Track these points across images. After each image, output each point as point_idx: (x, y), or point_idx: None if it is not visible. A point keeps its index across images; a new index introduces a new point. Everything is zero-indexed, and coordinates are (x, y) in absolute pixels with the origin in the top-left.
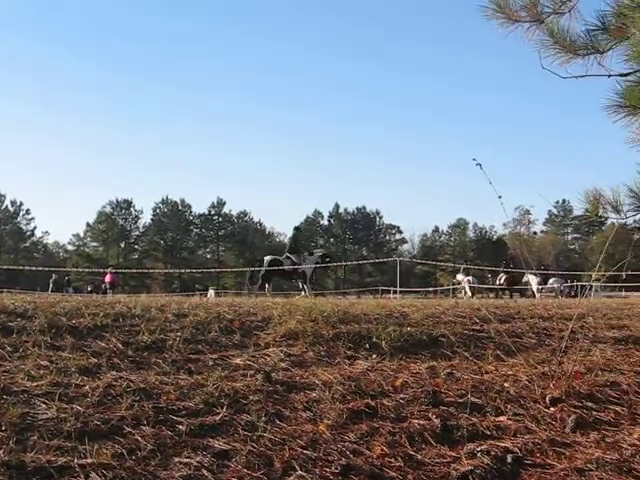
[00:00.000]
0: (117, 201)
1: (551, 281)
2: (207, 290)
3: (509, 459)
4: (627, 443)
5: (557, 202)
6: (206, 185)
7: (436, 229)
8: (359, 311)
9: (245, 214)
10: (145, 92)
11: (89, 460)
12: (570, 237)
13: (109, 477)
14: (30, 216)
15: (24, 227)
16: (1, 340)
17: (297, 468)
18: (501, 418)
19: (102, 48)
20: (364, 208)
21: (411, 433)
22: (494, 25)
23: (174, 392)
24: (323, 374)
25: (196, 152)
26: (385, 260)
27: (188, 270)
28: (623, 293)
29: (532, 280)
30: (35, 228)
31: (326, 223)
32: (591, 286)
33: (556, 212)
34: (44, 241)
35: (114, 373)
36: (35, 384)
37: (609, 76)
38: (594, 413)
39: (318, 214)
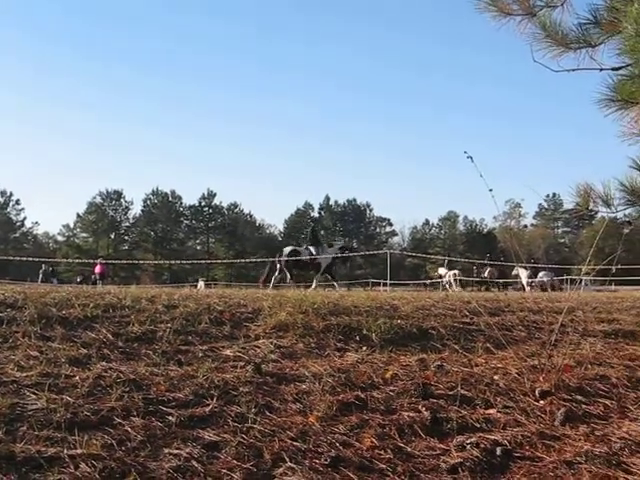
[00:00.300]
0: (107, 192)
1: (541, 274)
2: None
3: (498, 452)
4: (616, 436)
5: (547, 196)
6: (196, 177)
7: (426, 222)
8: (349, 303)
9: (235, 206)
10: (137, 85)
11: (79, 451)
12: (560, 231)
13: (99, 468)
14: (20, 206)
15: (14, 217)
16: None
17: (287, 459)
18: (491, 411)
19: (99, 40)
20: (355, 200)
21: (401, 425)
22: (486, 18)
23: (164, 383)
24: (313, 366)
25: (187, 144)
26: (375, 252)
27: (178, 261)
28: (613, 287)
29: (522, 273)
30: (25, 219)
31: (317, 215)
32: (581, 280)
33: (546, 206)
34: (34, 232)
35: (104, 364)
36: (25, 374)
37: (601, 70)
38: (583, 406)
39: (309, 206)
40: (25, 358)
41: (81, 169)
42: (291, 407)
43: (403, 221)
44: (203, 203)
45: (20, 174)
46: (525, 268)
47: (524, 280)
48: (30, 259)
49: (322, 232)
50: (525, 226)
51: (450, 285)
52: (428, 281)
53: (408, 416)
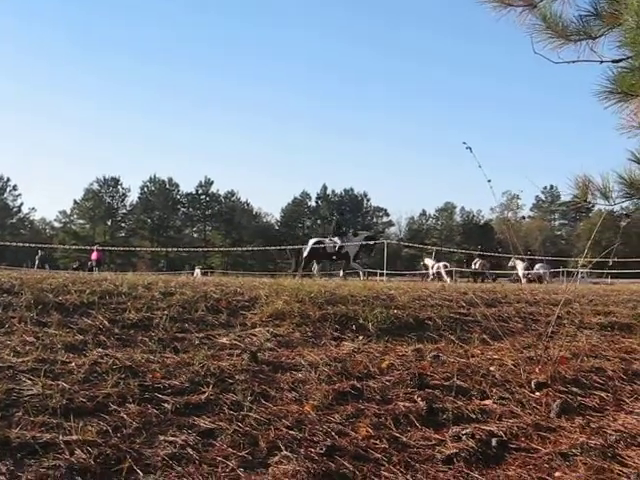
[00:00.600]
0: (104, 179)
1: (537, 266)
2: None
3: (494, 443)
4: (611, 429)
5: (545, 188)
6: (194, 165)
7: (423, 212)
8: (346, 293)
9: (232, 194)
10: (135, 73)
11: (74, 437)
12: (557, 223)
13: (94, 454)
14: (17, 192)
15: (11, 203)
16: None
17: (282, 448)
18: (486, 402)
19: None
20: (352, 190)
21: (396, 415)
22: (486, 9)
23: (160, 370)
24: (309, 355)
25: (184, 132)
26: (372, 242)
27: (175, 249)
28: (609, 280)
29: (518, 265)
30: (22, 204)
31: (314, 204)
32: (578, 272)
33: (543, 198)
34: (31, 217)
35: (100, 350)
36: (21, 360)
37: (601, 62)
38: (579, 398)
39: (306, 195)
40: (21, 344)
41: (78, 156)
42: (287, 396)
43: (400, 211)
44: (200, 191)
45: (17, 160)
46: (522, 260)
47: (520, 272)
48: (27, 245)
49: (318, 221)
50: (523, 217)
51: (440, 277)
52: (424, 271)
53: (404, 406)
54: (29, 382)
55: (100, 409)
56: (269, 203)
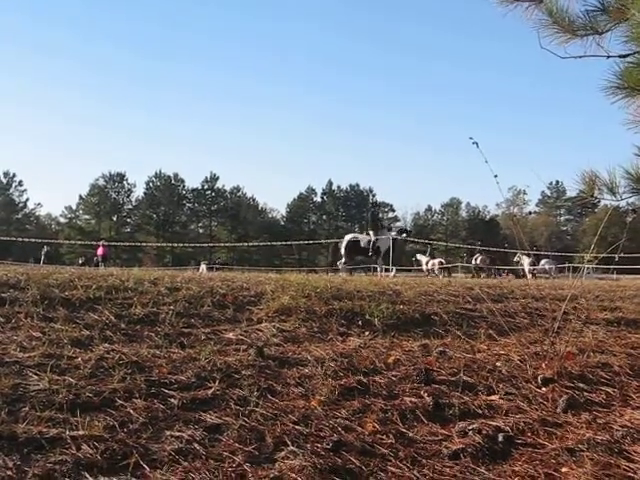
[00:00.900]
0: (110, 174)
1: (543, 262)
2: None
3: (500, 438)
4: (618, 424)
5: (550, 183)
6: (199, 160)
7: (429, 208)
8: (352, 288)
9: (238, 189)
10: (141, 68)
11: (81, 432)
12: (563, 219)
13: (100, 449)
14: (23, 188)
15: (16, 199)
16: None
17: (289, 443)
18: (493, 397)
19: (97, 23)
20: (357, 185)
21: (403, 410)
22: (493, 4)
23: (166, 365)
24: (315, 350)
25: (190, 127)
26: (378, 238)
27: (180, 244)
28: (615, 275)
29: (524, 261)
30: (27, 200)
31: (319, 200)
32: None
33: (549, 193)
34: (36, 213)
35: (106, 345)
36: (27, 355)
37: (608, 57)
38: (586, 394)
39: (311, 191)
40: (28, 339)
41: (84, 151)
42: (293, 391)
43: (405, 207)
44: (206, 186)
45: (23, 156)
46: (528, 255)
47: (526, 267)
48: (32, 240)
49: (324, 217)
50: (530, 213)
51: (434, 274)
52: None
53: (410, 401)
54: (36, 377)
55: (107, 404)
56: (275, 199)
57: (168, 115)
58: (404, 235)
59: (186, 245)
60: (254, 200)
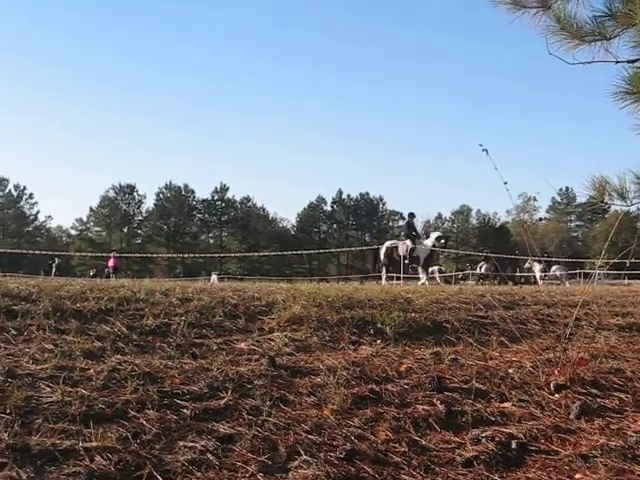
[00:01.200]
0: (120, 186)
1: (554, 268)
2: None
3: (513, 445)
4: (632, 430)
5: (560, 189)
6: (209, 170)
7: (439, 216)
8: (363, 296)
9: (248, 199)
10: (151, 79)
11: (94, 443)
12: (573, 225)
13: (114, 460)
14: (33, 200)
15: (27, 211)
16: (6, 323)
17: (302, 453)
18: (505, 404)
19: (105, 34)
20: (367, 194)
21: (415, 419)
22: (501, 11)
23: (178, 376)
24: (327, 359)
25: (200, 137)
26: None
27: (191, 255)
28: (626, 281)
29: (536, 267)
30: (38, 212)
31: (329, 209)
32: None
33: (559, 199)
34: (47, 225)
35: (119, 357)
36: (40, 367)
37: (616, 62)
38: (598, 400)
39: (321, 200)
40: (40, 351)
41: (94, 163)
42: (306, 400)
43: (416, 215)
44: (216, 197)
45: (33, 168)
46: (539, 262)
47: (537, 274)
48: (44, 253)
49: (334, 226)
50: (540, 219)
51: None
52: (440, 275)
53: (423, 409)
54: (48, 389)
55: (119, 415)
56: (285, 208)
57: (178, 126)
58: (442, 242)
59: (197, 256)
60: (264, 210)
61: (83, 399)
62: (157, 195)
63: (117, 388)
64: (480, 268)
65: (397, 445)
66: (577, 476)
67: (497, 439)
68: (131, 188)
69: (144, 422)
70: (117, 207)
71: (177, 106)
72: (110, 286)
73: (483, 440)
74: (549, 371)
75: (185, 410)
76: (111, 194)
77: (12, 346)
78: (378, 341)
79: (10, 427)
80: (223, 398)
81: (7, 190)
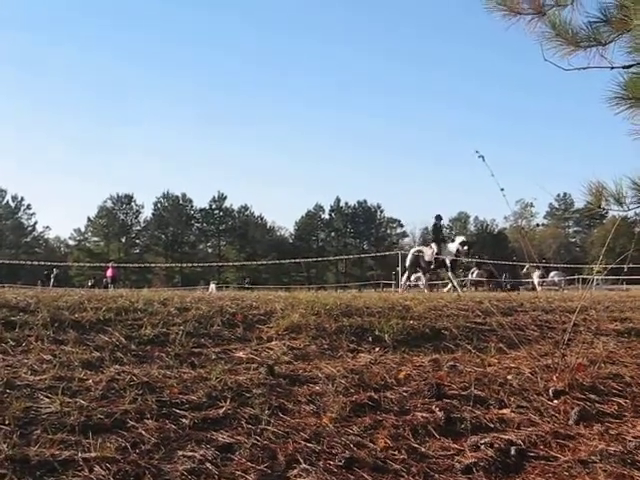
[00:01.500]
0: (118, 196)
1: (552, 274)
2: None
3: (513, 451)
4: (631, 435)
5: (558, 195)
6: (207, 179)
7: None
8: (361, 304)
9: (246, 208)
10: (146, 85)
11: (93, 454)
12: (571, 230)
13: (113, 471)
14: (31, 211)
15: (25, 222)
16: (4, 334)
17: (301, 461)
18: (504, 411)
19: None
20: (365, 202)
21: (414, 426)
22: (496, 17)
23: (177, 386)
24: (326, 367)
25: (197, 147)
26: (386, 254)
27: (189, 264)
28: (624, 286)
29: (534, 273)
30: (36, 223)
31: (327, 217)
32: (593, 279)
33: (557, 205)
34: (45, 236)
35: (117, 367)
36: (38, 378)
37: (612, 68)
38: (597, 405)
39: (319, 208)
40: (38, 362)
41: (92, 173)
42: (304, 408)
43: (414, 222)
44: (214, 206)
45: (31, 179)
46: (537, 268)
47: (535, 280)
48: (42, 263)
49: (332, 234)
50: (538, 225)
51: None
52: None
53: (422, 416)
54: (47, 400)
55: (118, 425)
56: (283, 217)
57: (175, 135)
58: (465, 248)
59: (195, 265)
60: (262, 219)
61: (82, 409)
62: (155, 205)
63: (116, 398)
64: (472, 274)
65: (396, 452)
66: None
67: (496, 445)
68: (129, 198)
69: (143, 432)
70: (115, 217)
71: (174, 115)
72: (108, 296)
73: (482, 447)
74: (548, 377)
75: (184, 419)
76: (109, 204)
77: (10, 357)
78: (377, 349)
79: (9, 438)
80: (222, 407)
81: (5, 201)
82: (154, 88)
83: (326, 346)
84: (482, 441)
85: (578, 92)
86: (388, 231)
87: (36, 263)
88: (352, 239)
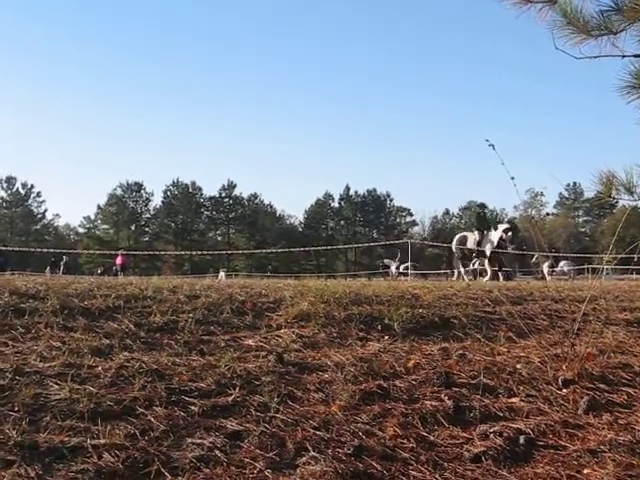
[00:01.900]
0: (128, 184)
1: (562, 264)
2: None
3: (522, 440)
4: None
5: (568, 185)
6: (217, 168)
7: (447, 212)
8: (371, 293)
9: (256, 197)
10: (156, 76)
11: (102, 441)
12: (581, 220)
13: (122, 457)
14: (41, 199)
15: (35, 210)
16: (14, 321)
17: (310, 449)
18: (513, 399)
19: (113, 31)
20: (375, 190)
21: (423, 414)
22: (507, 6)
23: (186, 373)
24: (335, 355)
25: (207, 135)
26: (396, 242)
27: (199, 252)
28: (634, 276)
29: (544, 263)
30: (46, 211)
31: (337, 205)
32: (602, 269)
33: (567, 195)
34: (55, 224)
35: (126, 354)
36: (48, 365)
37: (623, 57)
38: (606, 395)
39: (329, 196)
40: (48, 349)
41: (102, 161)
42: (314, 396)
43: (423, 211)
44: (223, 194)
45: (40, 166)
46: (547, 257)
47: (545, 270)
48: (52, 251)
49: (342, 222)
50: (548, 214)
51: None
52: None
53: (431, 405)
54: (56, 387)
55: (127, 412)
56: (292, 205)
57: (185, 123)
58: (509, 234)
59: (204, 253)
60: (272, 207)
61: (91, 396)
62: (165, 193)
63: (125, 385)
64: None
65: (405, 441)
66: (585, 471)
67: (505, 434)
68: (139, 186)
69: (152, 419)
70: (125, 205)
71: (184, 104)
72: (118, 284)
73: (491, 435)
74: (557, 366)
75: (193, 407)
76: (119, 192)
77: (20, 344)
78: (386, 337)
79: (18, 425)
80: (231, 395)
81: (15, 188)
82: (163, 77)
83: (335, 334)
84: (491, 430)
85: (589, 81)
86: (397, 220)
87: (45, 250)
88: (361, 227)
